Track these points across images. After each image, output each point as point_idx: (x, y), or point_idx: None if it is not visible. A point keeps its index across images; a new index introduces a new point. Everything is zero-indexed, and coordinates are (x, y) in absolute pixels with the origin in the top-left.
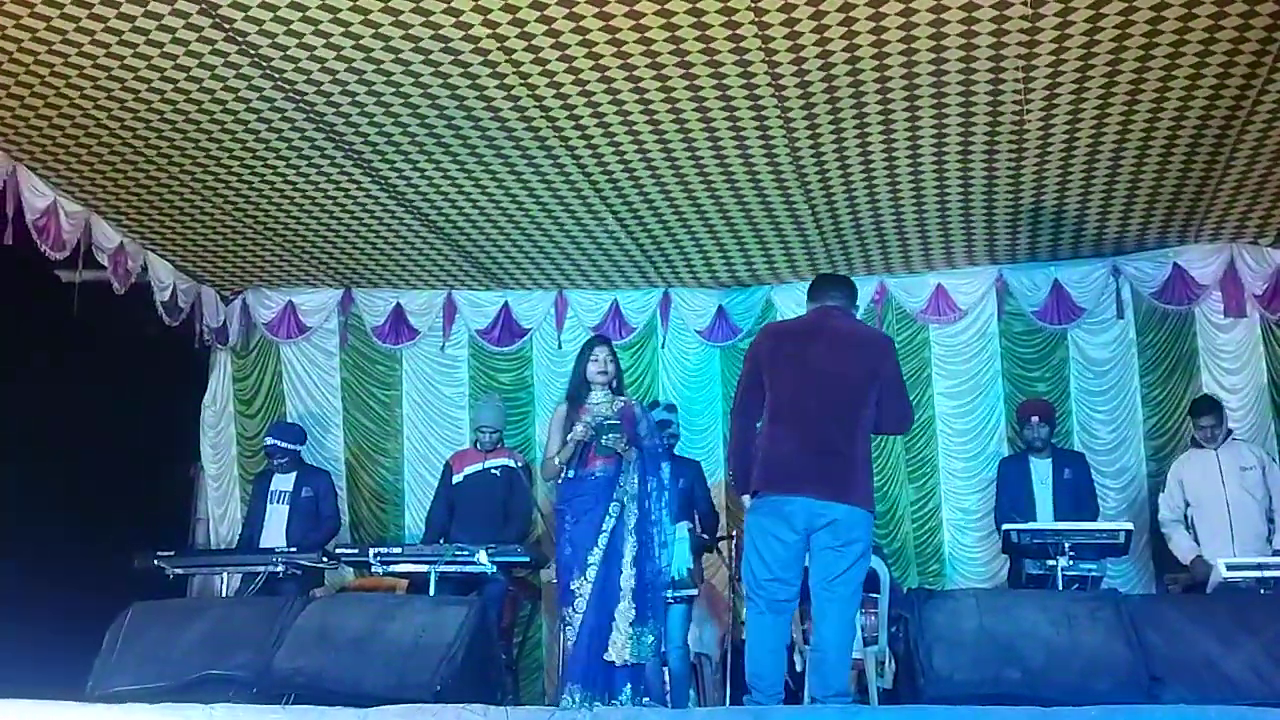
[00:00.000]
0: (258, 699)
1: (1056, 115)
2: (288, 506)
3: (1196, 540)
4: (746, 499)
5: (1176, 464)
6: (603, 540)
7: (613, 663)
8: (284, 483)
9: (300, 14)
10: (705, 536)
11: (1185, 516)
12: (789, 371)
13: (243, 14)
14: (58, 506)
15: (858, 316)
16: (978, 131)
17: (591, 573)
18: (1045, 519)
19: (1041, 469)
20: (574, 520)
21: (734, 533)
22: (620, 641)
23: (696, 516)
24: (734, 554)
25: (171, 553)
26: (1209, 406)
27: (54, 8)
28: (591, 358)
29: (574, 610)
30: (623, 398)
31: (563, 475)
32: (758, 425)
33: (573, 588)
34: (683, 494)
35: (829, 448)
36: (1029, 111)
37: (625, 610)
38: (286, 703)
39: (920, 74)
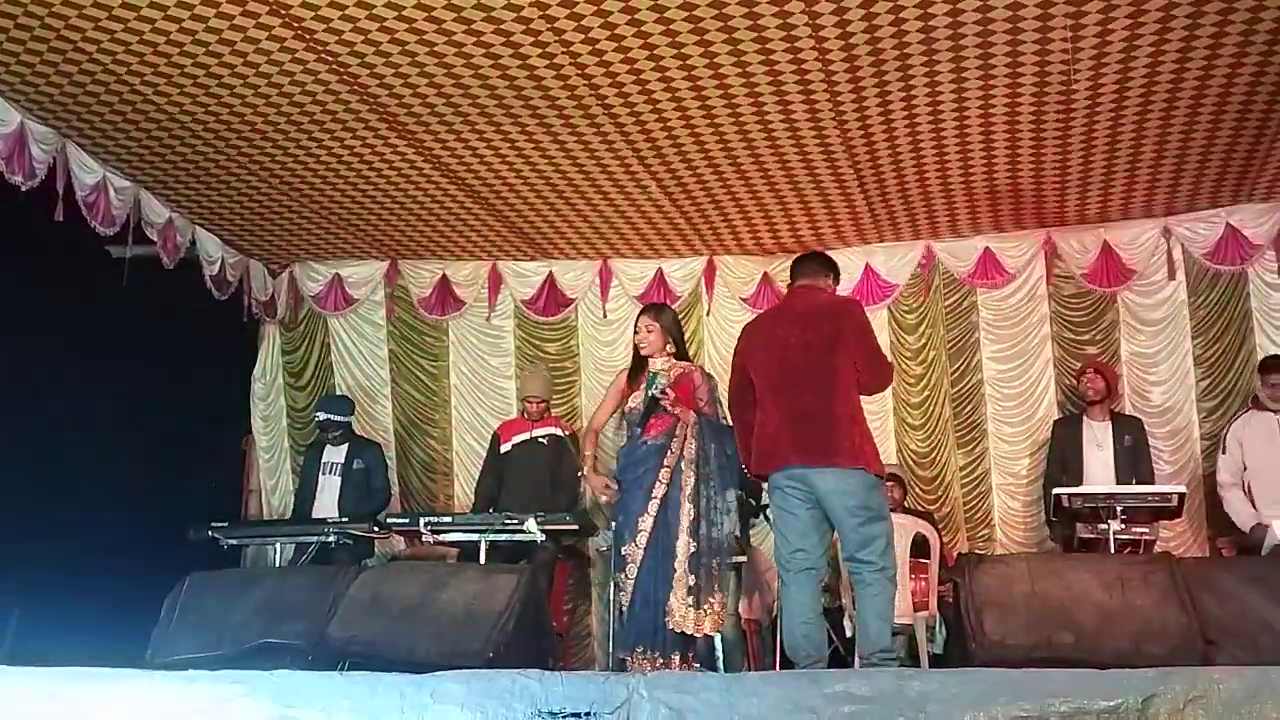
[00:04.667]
0: (313, 666)
1: (1106, 72)
2: (340, 478)
3: (1254, 504)
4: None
5: (1235, 426)
6: (653, 506)
7: (667, 629)
8: (336, 454)
9: None
10: (752, 502)
11: (1243, 480)
12: (762, 357)
13: None
14: (113, 480)
15: (833, 287)
16: (1025, 91)
17: (642, 539)
18: (1097, 482)
19: (1098, 432)
20: (626, 487)
21: None
22: (680, 610)
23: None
24: None
25: (226, 524)
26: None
27: None
28: (635, 329)
29: (625, 576)
30: (683, 364)
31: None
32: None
33: (624, 553)
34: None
35: (807, 414)
36: (1077, 69)
37: (683, 578)
38: (342, 670)
39: (966, 33)
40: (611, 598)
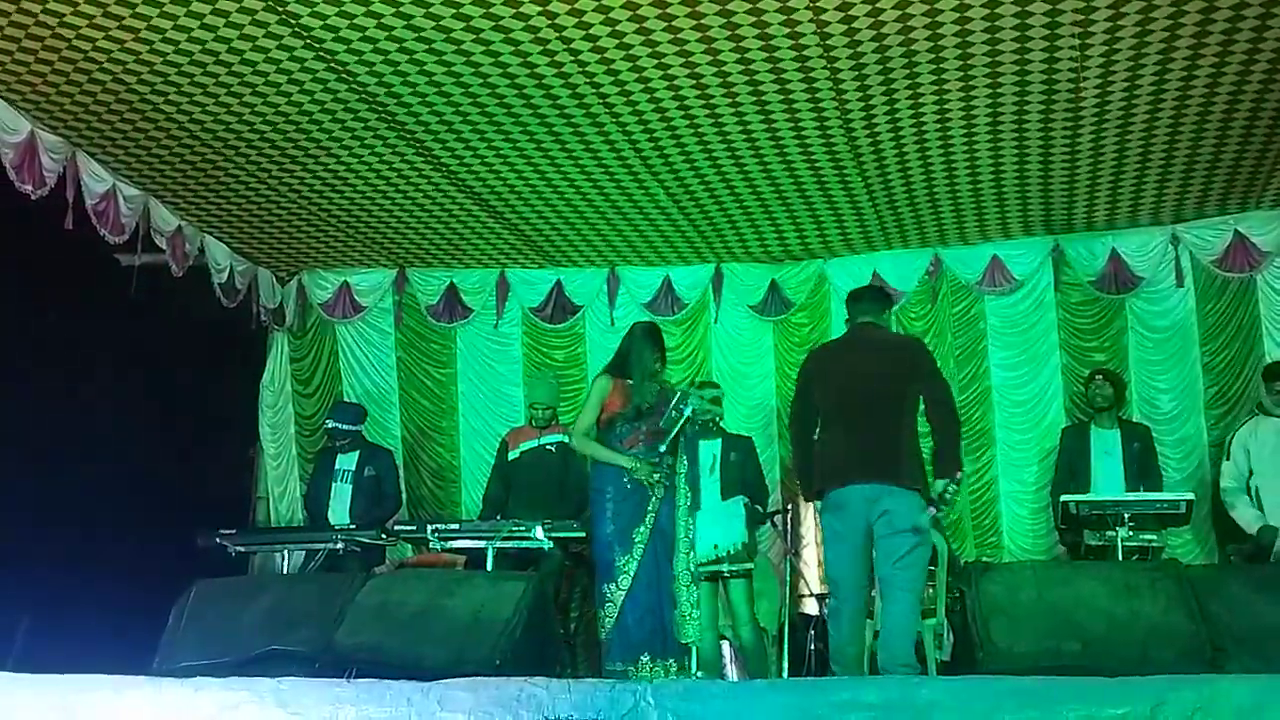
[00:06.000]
0: (320, 674)
1: (1114, 79)
2: (351, 486)
3: (1260, 509)
4: (816, 504)
5: (1240, 433)
6: (650, 519)
7: (667, 638)
8: (347, 462)
9: None
10: (759, 509)
11: (1248, 486)
12: (832, 381)
13: None
14: (121, 487)
15: (890, 323)
16: (1033, 98)
17: (639, 551)
18: (1106, 490)
19: (1107, 439)
20: (620, 498)
21: (789, 507)
22: (683, 620)
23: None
24: (788, 527)
25: (233, 531)
26: None
27: None
28: (656, 357)
29: (617, 586)
30: (659, 381)
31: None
32: (815, 436)
33: (618, 564)
34: (735, 469)
35: (873, 438)
36: (1085, 76)
37: (690, 592)
38: (349, 677)
39: (974, 40)
40: (597, 606)
